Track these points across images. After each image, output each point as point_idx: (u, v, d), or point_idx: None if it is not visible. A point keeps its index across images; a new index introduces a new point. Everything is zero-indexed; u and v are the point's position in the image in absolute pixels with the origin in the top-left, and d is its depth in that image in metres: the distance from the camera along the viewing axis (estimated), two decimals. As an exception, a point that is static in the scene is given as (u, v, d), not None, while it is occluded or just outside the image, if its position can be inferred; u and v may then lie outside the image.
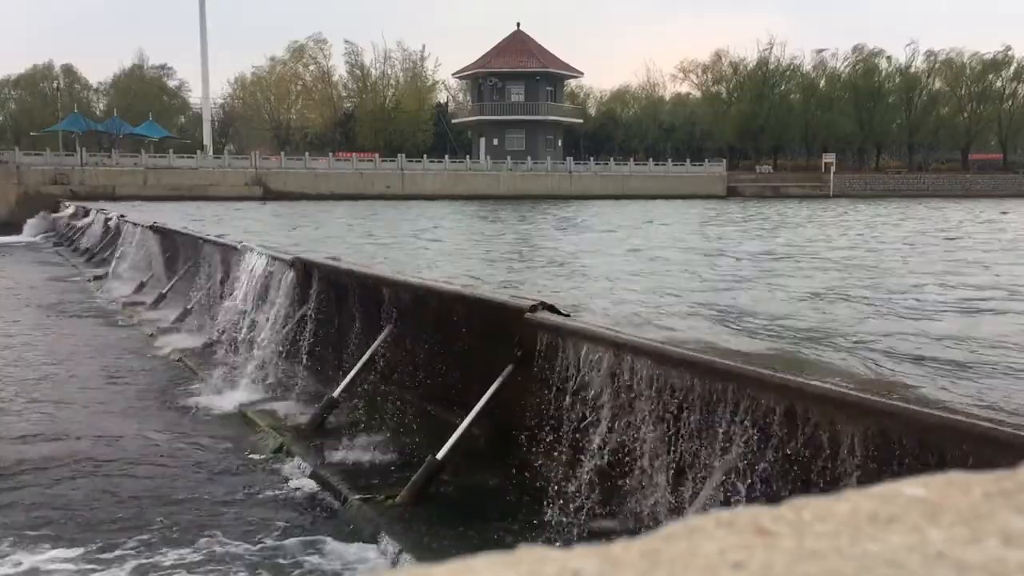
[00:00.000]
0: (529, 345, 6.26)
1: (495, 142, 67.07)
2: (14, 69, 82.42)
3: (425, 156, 59.31)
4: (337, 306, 9.68)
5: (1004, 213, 35.01)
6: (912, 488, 0.80)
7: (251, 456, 7.61)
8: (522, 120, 67.68)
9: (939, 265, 14.19)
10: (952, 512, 0.74)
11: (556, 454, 5.77)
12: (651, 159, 68.41)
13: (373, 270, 9.20)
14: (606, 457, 5.37)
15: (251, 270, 11.13)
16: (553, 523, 5.44)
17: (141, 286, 17.64)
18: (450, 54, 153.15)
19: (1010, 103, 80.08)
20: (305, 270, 10.05)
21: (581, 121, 74.98)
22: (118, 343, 12.90)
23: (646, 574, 0.64)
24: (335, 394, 8.23)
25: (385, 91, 76.01)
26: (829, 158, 70.04)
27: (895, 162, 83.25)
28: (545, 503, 5.51)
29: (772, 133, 77.63)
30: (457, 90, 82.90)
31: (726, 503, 4.49)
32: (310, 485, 6.86)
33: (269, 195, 48.50)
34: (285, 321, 9.77)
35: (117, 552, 5.56)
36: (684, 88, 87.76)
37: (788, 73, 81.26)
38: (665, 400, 5.05)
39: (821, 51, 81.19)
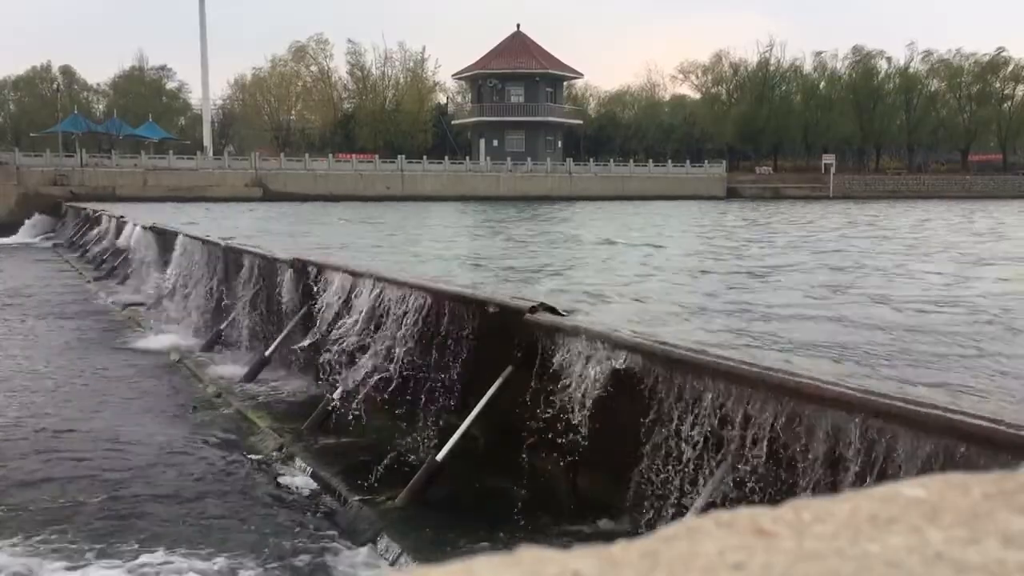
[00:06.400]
0: (529, 346, 6.26)
1: (495, 143, 67.09)
2: (13, 70, 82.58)
3: (425, 157, 59.31)
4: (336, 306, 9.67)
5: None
6: (912, 489, 0.80)
7: (251, 456, 7.61)
8: (522, 121, 67.71)
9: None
10: (952, 513, 0.74)
11: (557, 455, 5.77)
12: (651, 160, 68.42)
13: (373, 270, 9.18)
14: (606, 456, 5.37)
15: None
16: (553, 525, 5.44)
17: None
18: (450, 55, 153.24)
19: (1009, 104, 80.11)
20: (304, 270, 10.05)
21: (581, 122, 74.99)
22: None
23: (646, 575, 0.64)
24: (336, 395, 8.23)
25: (385, 92, 76.01)
26: (829, 159, 70.01)
27: (895, 163, 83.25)
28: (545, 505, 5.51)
29: (772, 134, 77.61)
30: (457, 91, 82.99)
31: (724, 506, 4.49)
32: (310, 486, 6.86)
33: (269, 196, 48.51)
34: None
35: (113, 550, 5.56)
36: (684, 89, 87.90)
37: (788, 74, 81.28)
38: (667, 401, 5.05)
39: (820, 52, 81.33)
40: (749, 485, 4.50)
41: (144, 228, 18.47)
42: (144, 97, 75.85)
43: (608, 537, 0.75)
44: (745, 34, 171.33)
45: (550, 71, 69.17)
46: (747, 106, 77.62)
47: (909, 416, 3.72)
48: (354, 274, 8.80)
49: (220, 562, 5.46)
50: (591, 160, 64.78)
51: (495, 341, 6.72)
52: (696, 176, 64.65)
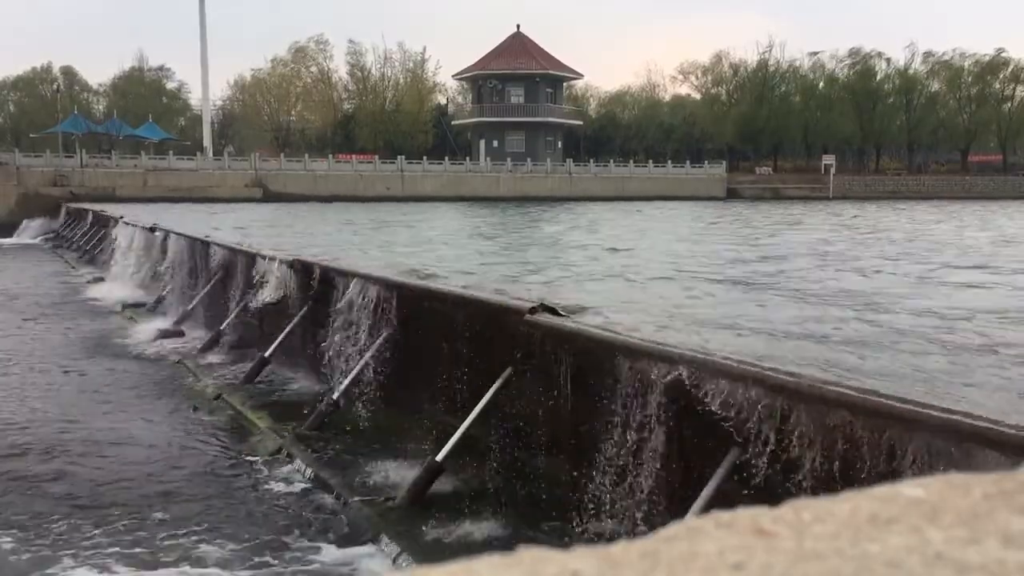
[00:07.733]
0: (529, 347, 6.26)
1: (495, 144, 67.05)
2: (13, 70, 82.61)
3: (425, 158, 59.28)
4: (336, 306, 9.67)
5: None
6: (912, 489, 0.80)
7: (250, 458, 7.61)
8: (522, 122, 67.66)
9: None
10: (952, 513, 0.74)
11: (556, 456, 5.77)
12: (651, 161, 68.38)
13: (373, 271, 9.19)
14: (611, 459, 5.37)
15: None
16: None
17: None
18: (450, 55, 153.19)
19: (1009, 104, 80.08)
20: (305, 271, 10.06)
21: (581, 123, 74.95)
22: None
23: (646, 575, 0.64)
24: (335, 396, 8.23)
25: (385, 92, 75.98)
26: (829, 160, 69.94)
27: (895, 163, 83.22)
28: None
29: (772, 134, 77.55)
30: (457, 92, 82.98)
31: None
32: (310, 487, 6.86)
33: (269, 196, 48.50)
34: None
35: (114, 549, 5.56)
36: (684, 90, 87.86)
37: (788, 75, 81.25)
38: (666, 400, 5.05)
39: (817, 53, 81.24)
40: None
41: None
42: (144, 97, 75.81)
43: (608, 537, 0.75)
44: (745, 34, 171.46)
45: (550, 71, 69.13)
46: (747, 106, 77.56)
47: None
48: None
49: (219, 562, 5.46)
50: (591, 160, 64.72)
51: (495, 341, 6.72)
52: (696, 176, 64.60)
